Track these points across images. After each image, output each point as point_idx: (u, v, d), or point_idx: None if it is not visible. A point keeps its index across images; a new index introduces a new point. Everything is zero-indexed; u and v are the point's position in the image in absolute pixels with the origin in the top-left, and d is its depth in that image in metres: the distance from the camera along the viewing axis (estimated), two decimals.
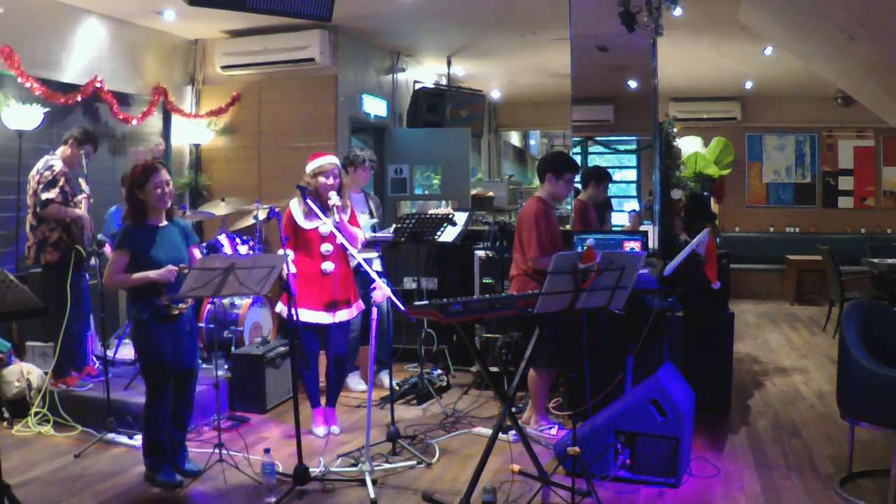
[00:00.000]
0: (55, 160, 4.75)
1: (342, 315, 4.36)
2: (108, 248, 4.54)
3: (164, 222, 3.70)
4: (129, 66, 6.71)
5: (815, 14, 5.38)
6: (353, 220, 4.46)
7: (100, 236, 4.75)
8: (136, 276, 3.54)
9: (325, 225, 4.23)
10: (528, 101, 11.64)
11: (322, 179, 4.26)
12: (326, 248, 4.32)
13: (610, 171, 5.76)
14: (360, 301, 4.56)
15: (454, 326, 3.46)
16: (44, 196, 4.62)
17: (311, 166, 4.33)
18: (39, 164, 4.77)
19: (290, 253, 4.21)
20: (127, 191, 3.68)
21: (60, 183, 4.67)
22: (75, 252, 4.71)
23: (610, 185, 5.86)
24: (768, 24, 6.49)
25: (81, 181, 4.87)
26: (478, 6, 6.51)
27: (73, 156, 4.81)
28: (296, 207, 4.33)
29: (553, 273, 3.00)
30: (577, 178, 4.94)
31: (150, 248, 3.58)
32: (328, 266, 4.31)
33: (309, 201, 4.12)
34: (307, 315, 4.24)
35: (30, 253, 4.77)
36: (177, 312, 3.65)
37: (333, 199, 4.22)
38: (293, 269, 4.17)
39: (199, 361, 5.10)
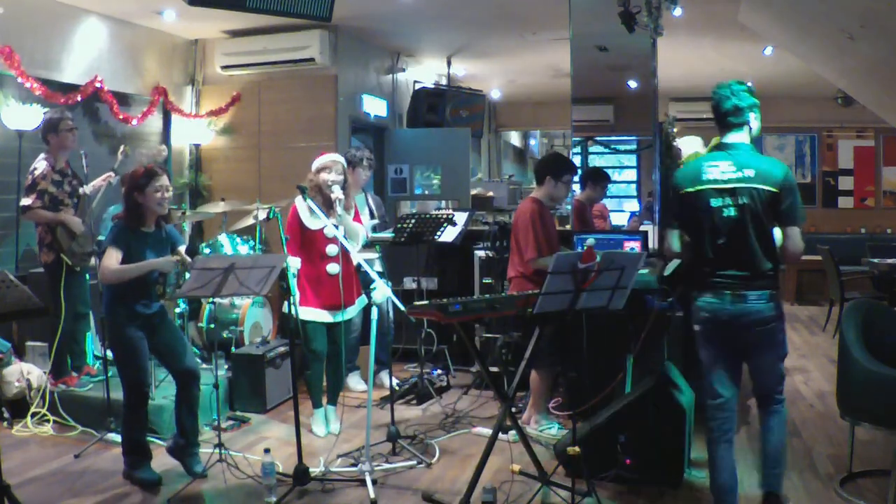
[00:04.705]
0: (39, 161, 4.65)
1: (347, 313, 4.35)
2: None
3: (152, 227, 3.72)
4: (129, 66, 6.70)
5: (815, 14, 5.38)
6: (356, 221, 4.45)
7: (101, 237, 4.73)
8: (139, 264, 3.56)
9: (330, 227, 4.19)
10: (528, 101, 11.62)
11: (325, 175, 4.21)
12: (332, 249, 4.27)
13: (609, 171, 5.76)
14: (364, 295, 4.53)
15: (454, 326, 3.46)
16: (21, 202, 4.58)
17: (315, 163, 4.30)
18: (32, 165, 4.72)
19: (297, 264, 4.18)
20: (126, 192, 3.67)
21: (40, 186, 4.56)
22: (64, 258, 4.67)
23: (609, 186, 5.86)
24: (768, 24, 6.49)
25: (84, 189, 4.82)
26: (478, 6, 6.50)
27: (59, 141, 4.68)
28: (301, 207, 4.27)
29: (553, 273, 3.01)
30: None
31: (140, 252, 3.60)
32: (333, 268, 4.27)
33: (310, 201, 4.06)
34: (313, 314, 4.23)
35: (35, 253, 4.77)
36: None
37: (336, 192, 4.15)
38: (295, 274, 4.15)
39: (199, 360, 5.09)
